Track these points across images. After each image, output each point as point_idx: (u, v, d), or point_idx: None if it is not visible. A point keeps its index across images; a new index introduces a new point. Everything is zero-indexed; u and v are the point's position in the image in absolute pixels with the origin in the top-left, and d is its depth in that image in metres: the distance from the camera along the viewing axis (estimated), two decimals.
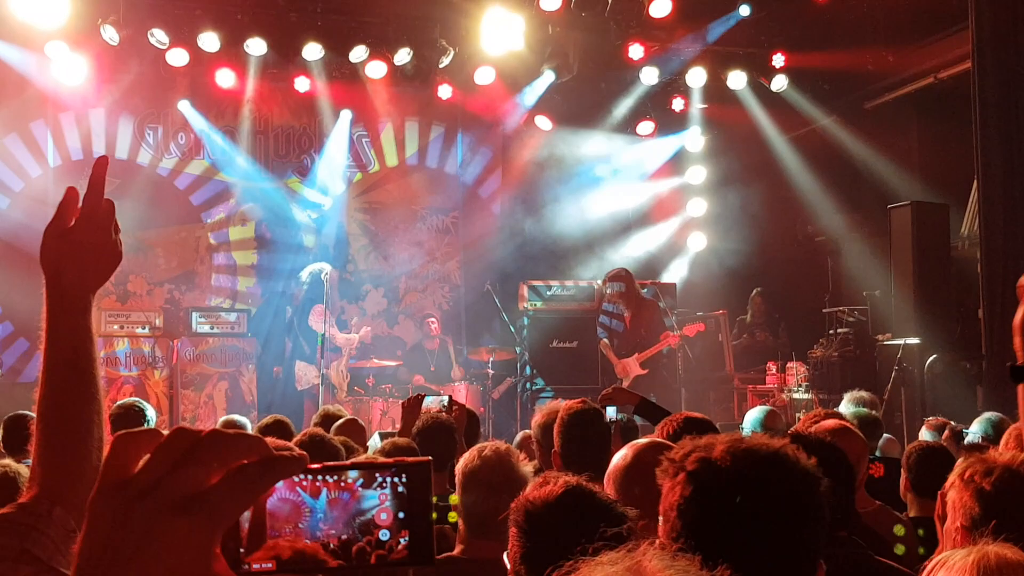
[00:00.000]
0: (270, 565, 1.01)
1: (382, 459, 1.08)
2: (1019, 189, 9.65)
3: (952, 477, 2.79)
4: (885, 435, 6.59)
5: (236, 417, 7.62)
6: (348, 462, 1.05)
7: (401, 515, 1.02)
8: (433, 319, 13.01)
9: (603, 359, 11.95)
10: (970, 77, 10.07)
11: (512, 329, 12.39)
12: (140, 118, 13.30)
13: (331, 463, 1.03)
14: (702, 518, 1.96)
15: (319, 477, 1.02)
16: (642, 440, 3.31)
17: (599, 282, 12.73)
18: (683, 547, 1.91)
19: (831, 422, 4.37)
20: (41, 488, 2.05)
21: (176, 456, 0.94)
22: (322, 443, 4.80)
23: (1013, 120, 9.66)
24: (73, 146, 13.15)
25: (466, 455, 4.04)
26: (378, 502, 1.02)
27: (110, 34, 11.28)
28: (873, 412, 6.35)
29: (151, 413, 6.70)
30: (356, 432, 6.43)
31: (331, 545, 1.01)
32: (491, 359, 12.22)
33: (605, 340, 11.75)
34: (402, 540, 1.02)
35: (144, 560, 0.92)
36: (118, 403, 6.70)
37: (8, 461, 4.16)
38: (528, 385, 12.35)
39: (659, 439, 3.37)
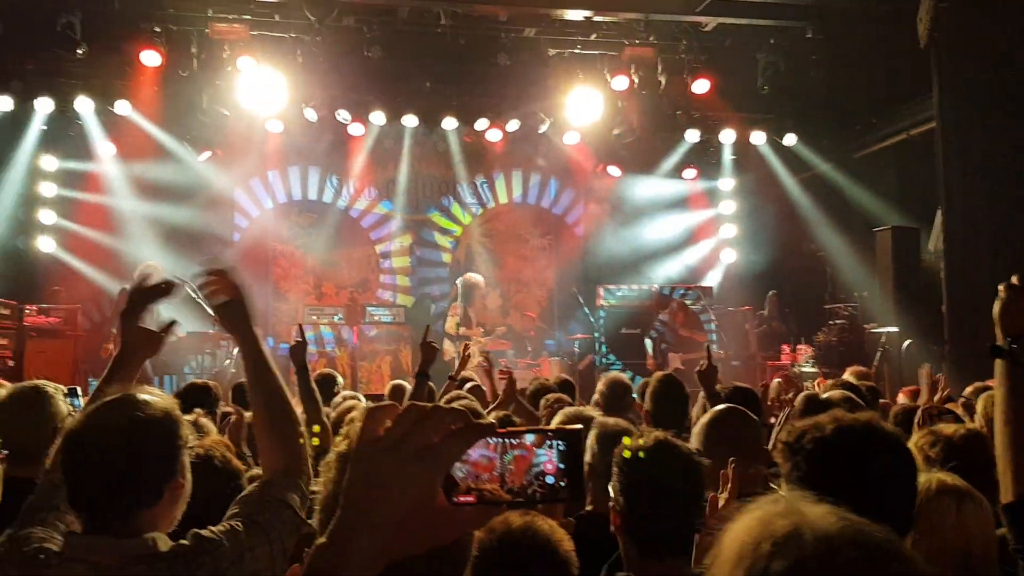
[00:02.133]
0: (471, 499, 1.03)
1: (549, 427, 1.10)
2: (972, 217, 9.48)
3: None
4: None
5: (399, 381, 7.72)
6: (524, 428, 1.08)
7: (562, 466, 1.03)
8: (530, 314, 13.16)
9: (656, 343, 12.00)
10: (935, 133, 9.93)
11: (592, 320, 12.46)
12: (329, 171, 13.63)
13: (513, 428, 1.06)
14: (824, 490, 1.81)
15: (505, 439, 1.04)
16: (721, 407, 3.27)
17: (656, 285, 12.82)
18: None
19: (838, 392, 4.30)
20: (285, 465, 2.21)
21: (410, 423, 1.01)
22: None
23: (968, 164, 9.50)
24: (280, 192, 13.58)
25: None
26: (547, 457, 1.04)
27: (309, 114, 11.63)
28: (871, 383, 6.27)
29: (340, 379, 6.87)
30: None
31: (515, 487, 1.03)
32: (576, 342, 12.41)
33: (649, 341, 11.86)
34: (562, 484, 1.04)
35: (393, 493, 0.99)
36: (318, 372, 6.85)
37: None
38: (604, 360, 12.39)
39: (733, 405, 3.30)
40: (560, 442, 1.04)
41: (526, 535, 2.10)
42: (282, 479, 2.17)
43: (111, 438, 1.92)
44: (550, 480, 1.05)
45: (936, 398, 4.82)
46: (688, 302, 12.36)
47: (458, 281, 11.87)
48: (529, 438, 1.04)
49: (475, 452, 1.03)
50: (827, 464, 1.86)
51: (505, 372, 5.92)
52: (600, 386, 5.35)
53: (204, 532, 2.04)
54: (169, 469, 1.99)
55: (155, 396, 2.06)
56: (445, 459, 1.00)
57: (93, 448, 1.92)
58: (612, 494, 2.39)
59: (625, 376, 5.17)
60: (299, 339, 4.61)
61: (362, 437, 1.02)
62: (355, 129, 12.31)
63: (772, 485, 2.14)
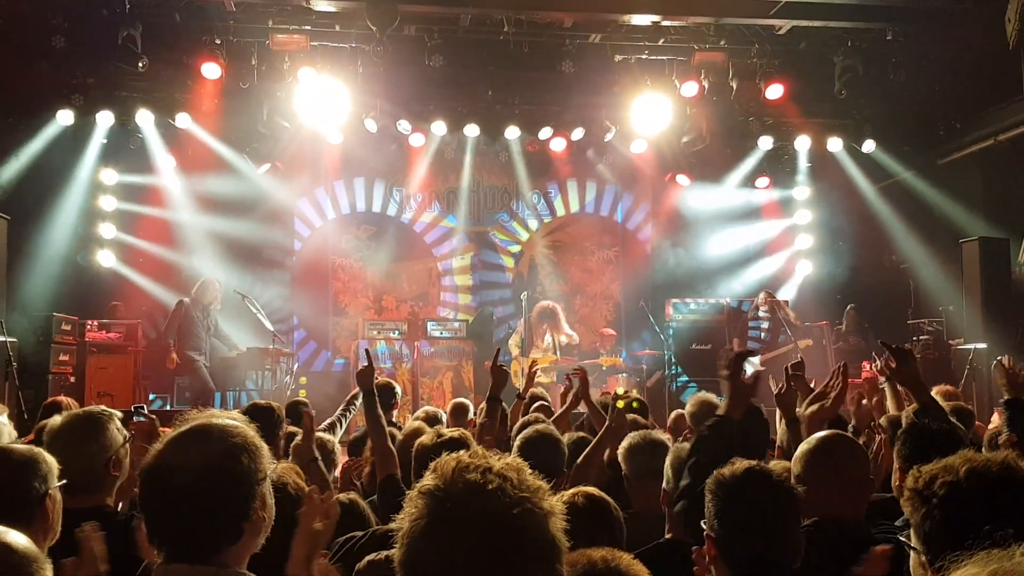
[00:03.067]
0: None
1: None
2: None
3: None
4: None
5: (462, 400, 7.54)
6: None
7: None
8: (610, 332, 12.98)
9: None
10: None
11: (661, 335, 12.29)
12: (390, 182, 13.72)
13: None
14: (957, 540, 1.68)
15: None
16: (823, 432, 3.17)
17: (728, 299, 12.62)
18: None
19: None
20: None
21: None
22: None
23: None
24: (343, 203, 13.70)
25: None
26: None
27: (370, 125, 11.68)
28: (968, 405, 6.03)
29: (399, 389, 6.85)
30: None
31: None
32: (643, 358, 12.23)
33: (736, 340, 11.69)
34: None
35: None
36: (377, 381, 6.85)
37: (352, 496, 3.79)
38: (674, 377, 12.21)
39: (838, 431, 3.20)
40: None
41: (608, 568, 2.12)
42: None
43: (188, 475, 1.90)
44: None
45: None
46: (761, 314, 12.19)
47: (523, 296, 11.81)
48: None
49: None
50: (964, 511, 1.79)
51: (578, 372, 5.80)
52: (689, 407, 5.26)
53: None
54: (248, 505, 1.97)
55: (234, 424, 2.03)
56: None
57: (169, 485, 1.91)
58: (706, 522, 2.42)
59: (715, 398, 5.05)
60: (366, 364, 4.47)
61: None
62: (416, 139, 12.33)
63: (900, 538, 2.06)
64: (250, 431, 2.05)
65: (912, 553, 1.96)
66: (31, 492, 2.54)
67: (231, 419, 2.07)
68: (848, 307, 12.39)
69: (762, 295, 12.12)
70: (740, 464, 2.46)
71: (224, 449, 1.95)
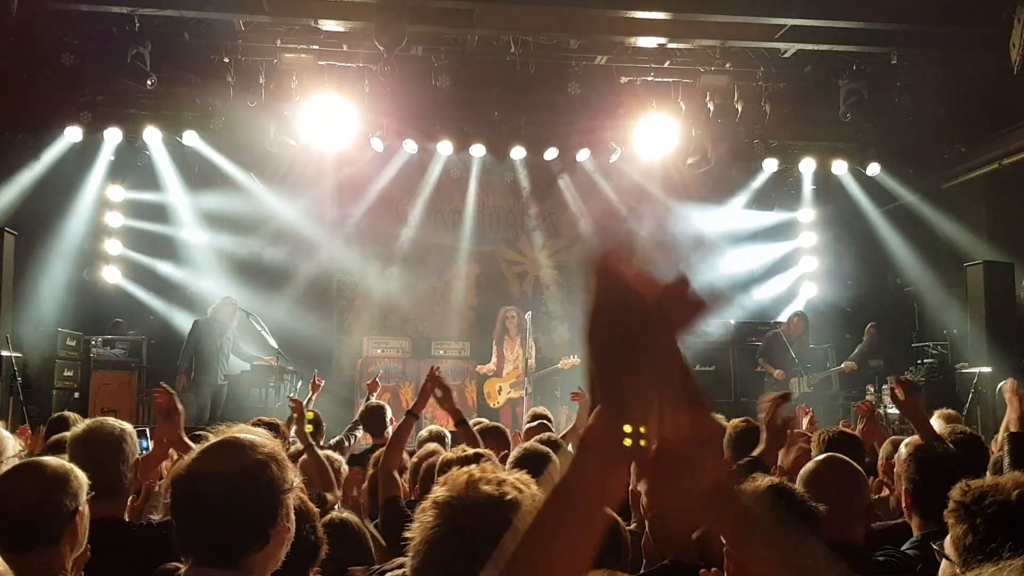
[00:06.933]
0: None
1: None
2: None
3: None
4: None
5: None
6: None
7: None
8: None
9: (737, 378, 11.92)
10: None
11: None
12: (396, 201, 13.64)
13: None
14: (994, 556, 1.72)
15: None
16: (821, 456, 3.16)
17: (732, 320, 12.61)
18: None
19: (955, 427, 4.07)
20: None
21: None
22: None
23: None
24: (348, 222, 13.60)
25: None
26: None
27: (376, 144, 11.74)
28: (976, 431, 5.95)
29: (389, 412, 6.82)
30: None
31: None
32: None
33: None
34: None
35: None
36: (367, 404, 6.85)
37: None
38: None
39: (835, 454, 3.18)
40: None
41: None
42: None
43: (218, 484, 1.97)
44: None
45: None
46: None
47: (527, 316, 11.79)
48: None
49: None
50: (1009, 530, 1.84)
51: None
52: None
53: None
54: (275, 514, 2.03)
55: (261, 438, 2.10)
56: None
57: (200, 494, 1.98)
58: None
59: (721, 418, 5.03)
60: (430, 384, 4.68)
61: None
62: (422, 159, 12.40)
63: (933, 546, 2.07)
64: (278, 445, 2.11)
65: (944, 562, 2.01)
66: (62, 510, 2.54)
67: (258, 433, 2.13)
68: (868, 325, 12.24)
69: (795, 318, 11.75)
70: (762, 482, 2.41)
71: (254, 460, 2.01)
